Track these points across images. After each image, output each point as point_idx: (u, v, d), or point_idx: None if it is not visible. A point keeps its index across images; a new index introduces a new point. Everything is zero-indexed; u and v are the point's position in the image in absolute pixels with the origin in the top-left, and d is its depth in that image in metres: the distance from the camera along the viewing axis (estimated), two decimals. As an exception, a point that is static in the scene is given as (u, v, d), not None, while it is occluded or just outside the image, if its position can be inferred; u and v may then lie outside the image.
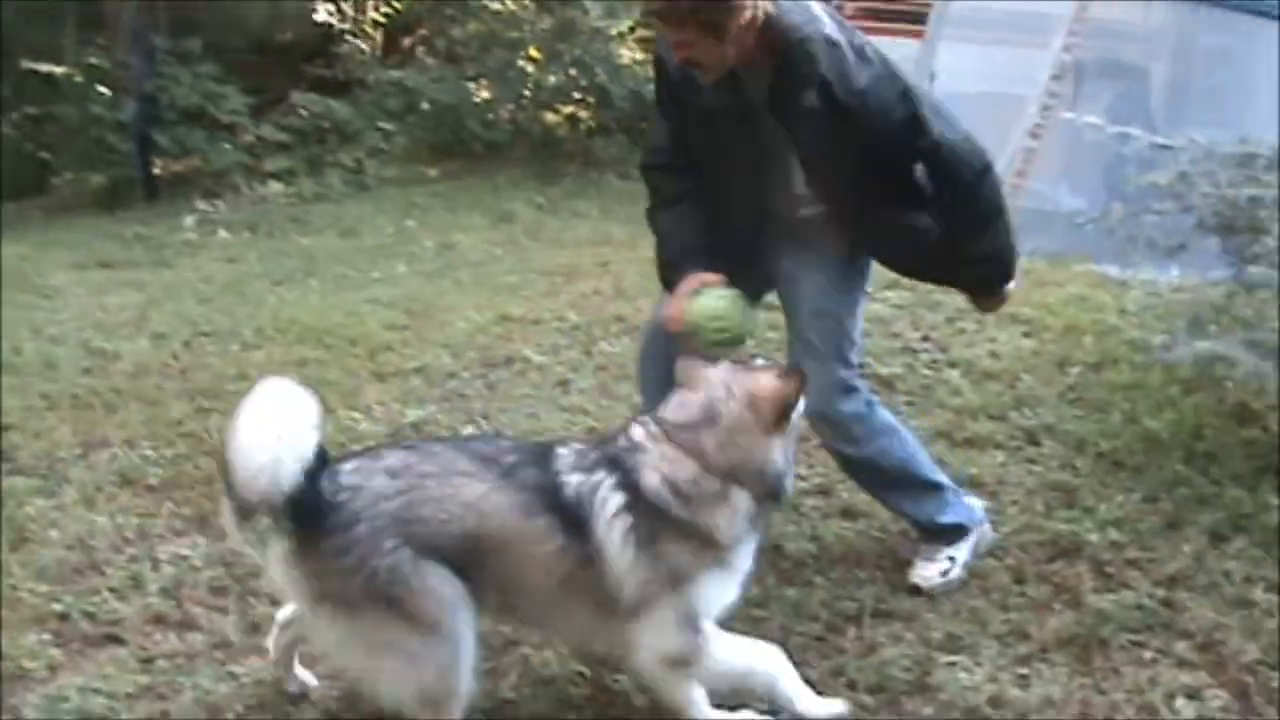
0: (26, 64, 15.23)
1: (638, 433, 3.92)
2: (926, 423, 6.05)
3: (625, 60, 15.58)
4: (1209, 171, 6.06)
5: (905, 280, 8.17)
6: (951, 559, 4.88)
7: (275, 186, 14.68)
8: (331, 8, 16.97)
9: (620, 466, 3.83)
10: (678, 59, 4.31)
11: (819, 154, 4.38)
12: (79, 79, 15.20)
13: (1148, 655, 4.40)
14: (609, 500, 3.78)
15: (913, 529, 5.06)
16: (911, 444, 4.95)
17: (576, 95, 15.80)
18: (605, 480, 3.80)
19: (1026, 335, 7.34)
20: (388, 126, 16.04)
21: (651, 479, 3.80)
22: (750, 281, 4.69)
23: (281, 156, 15.21)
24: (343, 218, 13.02)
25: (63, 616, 4.79)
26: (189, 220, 13.04)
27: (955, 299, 7.85)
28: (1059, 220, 9.36)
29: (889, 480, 4.92)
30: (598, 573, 3.76)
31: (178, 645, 4.60)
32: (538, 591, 3.82)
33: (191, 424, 6.56)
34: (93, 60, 15.43)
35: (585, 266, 9.58)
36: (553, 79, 15.60)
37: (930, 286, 8.09)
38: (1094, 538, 5.09)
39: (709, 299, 4.46)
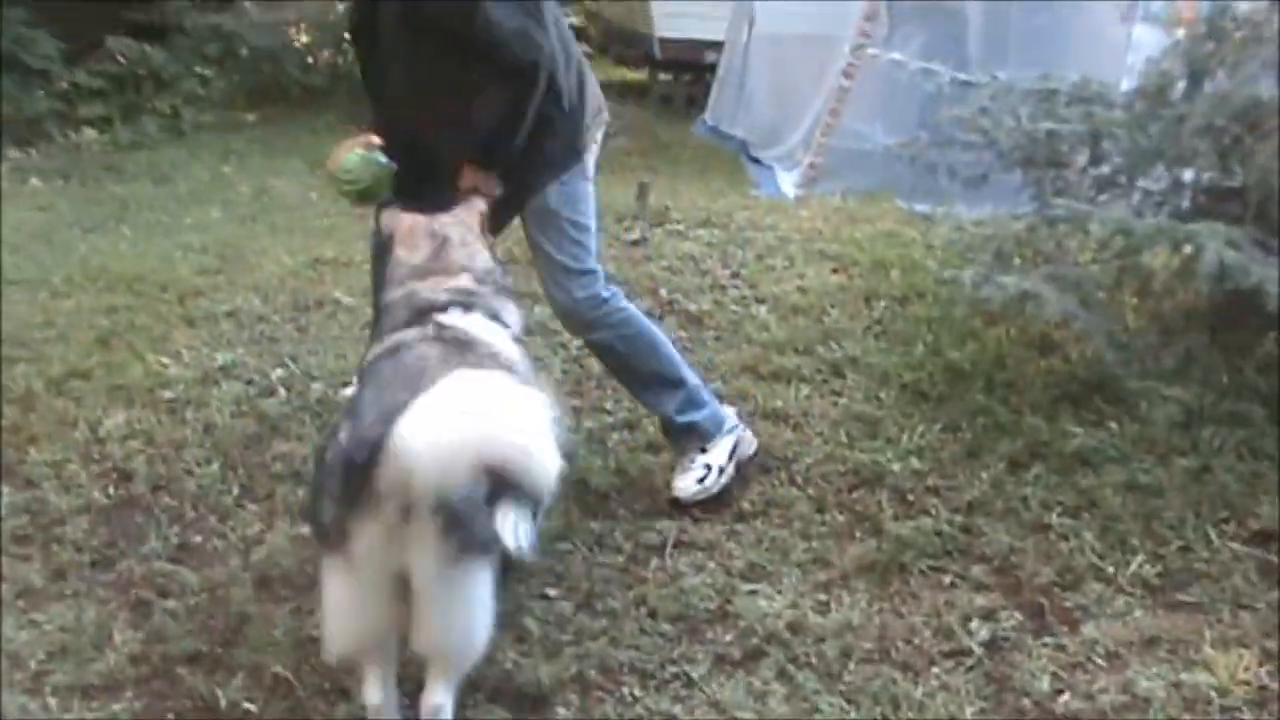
0: None
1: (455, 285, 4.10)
2: (734, 357, 6.11)
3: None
4: (1011, 107, 6.15)
5: (716, 219, 8.26)
6: (708, 466, 4.96)
7: (90, 134, 14.30)
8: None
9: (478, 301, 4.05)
10: None
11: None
12: (-121, 23, 14.65)
13: (946, 579, 4.48)
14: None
15: (660, 428, 5.17)
16: (655, 337, 5.03)
17: (396, 40, 15.66)
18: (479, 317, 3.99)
19: (834, 271, 7.43)
20: (205, 72, 15.77)
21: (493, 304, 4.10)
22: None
23: (97, 103, 14.79)
24: (158, 164, 12.80)
25: None
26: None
27: (766, 237, 7.95)
28: (873, 159, 9.50)
29: (630, 369, 5.02)
30: None
31: (-21, 593, 4.51)
32: None
33: (-3, 373, 6.39)
34: (-106, 3, 14.89)
35: (398, 210, 9.43)
36: (372, 24, 15.46)
37: (743, 225, 8.18)
38: (895, 467, 5.16)
39: (350, 156, 4.81)
